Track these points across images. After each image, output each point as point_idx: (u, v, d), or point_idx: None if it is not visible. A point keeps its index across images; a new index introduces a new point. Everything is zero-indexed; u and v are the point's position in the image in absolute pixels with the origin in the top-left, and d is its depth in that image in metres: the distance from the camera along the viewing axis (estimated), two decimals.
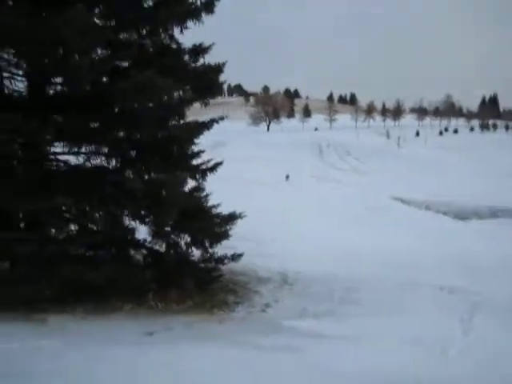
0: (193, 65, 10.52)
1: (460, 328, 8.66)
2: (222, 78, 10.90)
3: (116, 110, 9.13)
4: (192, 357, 6.57)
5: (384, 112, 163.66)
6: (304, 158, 78.66)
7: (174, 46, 10.37)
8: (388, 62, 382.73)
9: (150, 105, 9.33)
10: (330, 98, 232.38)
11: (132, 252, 10.39)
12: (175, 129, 9.41)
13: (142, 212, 9.51)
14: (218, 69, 10.55)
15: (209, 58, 10.72)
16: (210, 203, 11.13)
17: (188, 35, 10.58)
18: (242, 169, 48.71)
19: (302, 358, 6.83)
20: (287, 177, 60.20)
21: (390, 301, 10.90)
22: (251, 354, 6.83)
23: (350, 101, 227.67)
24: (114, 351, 6.56)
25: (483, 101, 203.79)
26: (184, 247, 10.30)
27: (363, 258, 18.14)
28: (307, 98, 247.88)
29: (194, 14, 10.11)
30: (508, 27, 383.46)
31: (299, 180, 48.31)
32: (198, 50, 10.81)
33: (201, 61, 10.86)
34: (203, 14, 10.33)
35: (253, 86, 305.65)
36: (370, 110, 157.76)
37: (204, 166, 10.96)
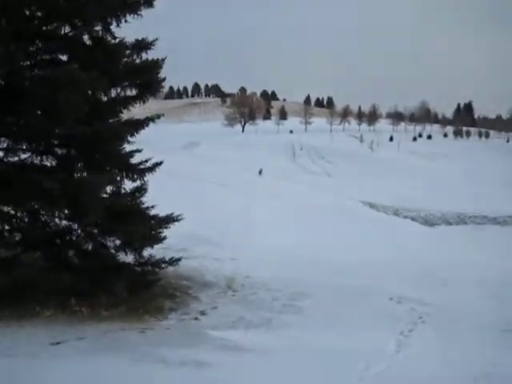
0: (128, 60, 10.04)
1: (396, 343, 8.33)
2: (162, 74, 10.48)
3: (36, 104, 8.60)
4: (80, 372, 6.15)
5: (360, 116, 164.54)
6: (277, 160, 78.48)
7: (110, 39, 9.87)
8: (367, 67, 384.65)
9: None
10: (307, 100, 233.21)
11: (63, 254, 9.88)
12: (102, 126, 8.90)
13: (64, 212, 9.00)
14: (157, 65, 10.12)
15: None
16: (152, 205, 10.76)
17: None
18: (211, 170, 48.29)
19: (203, 374, 6.46)
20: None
21: (334, 311, 10.57)
22: (151, 369, 6.44)
23: (327, 104, 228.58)
24: (5, 364, 6.08)
25: (458, 108, 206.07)
26: (113, 250, 9.83)
27: (321, 264, 17.87)
28: (284, 100, 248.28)
29: (132, 7, 9.66)
30: (483, 37, 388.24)
31: (269, 183, 47.91)
32: (141, 46, 10.36)
33: (143, 56, 10.47)
34: (142, 8, 9.90)
35: (230, 86, 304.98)
36: (345, 114, 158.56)
37: (142, 166, 10.48)
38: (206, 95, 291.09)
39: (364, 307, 11.01)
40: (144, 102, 10.51)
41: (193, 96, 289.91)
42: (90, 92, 8.96)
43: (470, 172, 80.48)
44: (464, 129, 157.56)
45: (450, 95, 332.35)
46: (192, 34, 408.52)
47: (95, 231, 9.56)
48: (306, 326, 9.30)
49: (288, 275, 14.55)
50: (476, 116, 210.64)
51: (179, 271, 13.62)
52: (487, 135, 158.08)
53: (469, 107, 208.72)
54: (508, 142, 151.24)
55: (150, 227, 10.07)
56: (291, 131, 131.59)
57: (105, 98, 10.02)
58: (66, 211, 9.08)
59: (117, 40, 10.07)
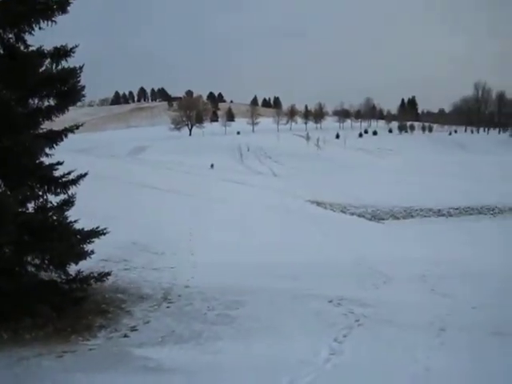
0: (44, 69, 9.59)
1: (328, 350, 8.13)
2: (82, 82, 10.06)
3: None
4: None
5: (306, 114, 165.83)
6: (224, 161, 78.19)
7: (22, 48, 9.42)
8: (312, 66, 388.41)
9: None
10: (254, 101, 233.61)
11: None
12: (12, 140, 8.43)
13: None
14: (74, 73, 9.70)
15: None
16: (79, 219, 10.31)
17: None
18: (157, 175, 47.70)
19: None
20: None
21: (269, 318, 10.33)
22: None
23: (274, 104, 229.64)
24: None
25: (402, 103, 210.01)
26: (33, 269, 9.37)
27: (264, 267, 17.72)
28: (231, 102, 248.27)
29: (43, 13, 9.22)
30: (426, 27, 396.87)
31: (215, 185, 47.61)
32: (60, 53, 9.93)
33: (63, 64, 10.04)
34: (56, 14, 9.47)
35: (177, 90, 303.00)
36: (291, 113, 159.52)
37: (65, 179, 10.05)
38: (152, 99, 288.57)
39: (301, 312, 10.82)
40: (64, 112, 10.05)
41: (139, 101, 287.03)
42: None
43: (414, 165, 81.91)
44: (408, 124, 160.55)
45: (394, 91, 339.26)
46: (136, 38, 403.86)
47: (7, 250, 9.05)
48: (237, 337, 9.03)
49: (228, 282, 14.34)
50: (420, 111, 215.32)
51: (116, 284, 13.25)
52: (430, 129, 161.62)
53: (413, 102, 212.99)
54: (450, 134, 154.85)
55: (72, 243, 9.63)
56: (238, 132, 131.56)
57: (21, 110, 9.52)
58: None
59: (31, 48, 9.60)
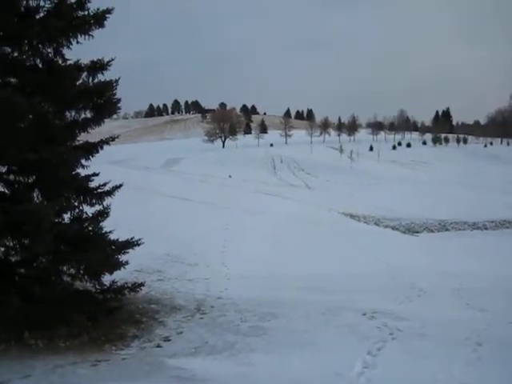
0: (81, 82, 9.78)
1: (361, 364, 8.02)
2: (118, 95, 10.22)
3: None
4: None
5: (339, 127, 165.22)
6: (257, 173, 78.32)
7: (61, 62, 9.62)
8: (347, 78, 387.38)
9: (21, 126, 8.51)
10: (287, 113, 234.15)
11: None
12: (49, 152, 8.57)
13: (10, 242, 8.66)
14: (110, 86, 9.87)
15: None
16: (109, 229, 10.39)
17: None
18: (190, 187, 47.97)
19: None
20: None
21: (302, 331, 10.27)
22: None
23: (307, 116, 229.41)
24: None
25: (436, 115, 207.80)
26: (69, 278, 9.50)
27: (298, 279, 17.70)
28: (264, 114, 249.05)
29: (81, 28, 9.41)
30: (461, 44, 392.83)
31: (248, 197, 47.66)
32: (97, 67, 10.12)
33: (99, 77, 10.22)
34: (93, 28, 9.66)
35: (210, 102, 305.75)
36: (325, 125, 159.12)
37: (100, 190, 10.19)
38: (186, 112, 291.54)
39: (333, 325, 10.73)
40: (99, 124, 10.21)
41: (173, 113, 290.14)
42: (31, 116, 8.63)
43: (448, 178, 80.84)
44: (443, 135, 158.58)
45: (428, 103, 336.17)
46: (170, 52, 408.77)
47: (43, 260, 9.20)
48: (270, 349, 8.98)
49: (261, 294, 14.35)
50: (454, 122, 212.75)
51: (150, 294, 13.35)
52: (465, 141, 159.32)
53: (447, 114, 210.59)
54: (486, 146, 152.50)
55: (107, 253, 9.74)
56: (271, 144, 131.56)
57: (58, 122, 9.72)
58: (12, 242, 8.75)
59: (69, 62, 9.79)
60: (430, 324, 11.30)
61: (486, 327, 10.89)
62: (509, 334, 10.45)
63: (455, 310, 13.21)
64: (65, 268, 9.41)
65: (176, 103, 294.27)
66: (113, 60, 10.21)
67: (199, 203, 37.40)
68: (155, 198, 35.58)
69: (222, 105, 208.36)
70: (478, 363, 8.24)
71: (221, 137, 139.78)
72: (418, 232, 46.72)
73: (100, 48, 12.56)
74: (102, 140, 10.02)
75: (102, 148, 10.05)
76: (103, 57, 10.19)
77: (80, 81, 10.01)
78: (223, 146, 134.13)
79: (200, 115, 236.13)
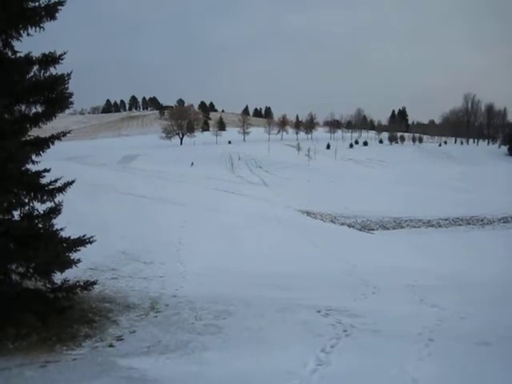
0: (32, 76, 9.51)
1: (314, 362, 8.02)
2: (71, 89, 9.98)
3: None
4: None
5: (297, 125, 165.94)
6: (215, 171, 78.00)
7: (10, 54, 9.34)
8: (304, 77, 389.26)
9: None
10: (246, 111, 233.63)
11: None
12: None
13: None
14: (62, 80, 9.62)
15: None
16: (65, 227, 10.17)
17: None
18: (147, 184, 47.46)
19: None
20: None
21: (257, 328, 10.25)
22: None
23: (265, 114, 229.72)
24: None
25: (393, 114, 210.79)
26: (18, 277, 9.24)
27: (254, 276, 17.68)
28: (223, 111, 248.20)
29: (32, 19, 9.16)
30: (416, 44, 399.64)
31: (206, 194, 47.42)
32: (49, 60, 9.85)
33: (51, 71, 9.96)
34: (44, 20, 9.41)
35: (168, 99, 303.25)
36: (282, 123, 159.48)
37: (52, 186, 9.93)
38: (143, 108, 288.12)
39: (288, 323, 10.75)
40: (51, 119, 9.95)
41: (130, 109, 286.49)
42: None
43: (403, 176, 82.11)
44: (398, 134, 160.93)
45: (385, 102, 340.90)
46: (128, 47, 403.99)
47: None
48: (224, 347, 8.92)
49: (217, 291, 14.26)
50: (410, 122, 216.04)
51: (103, 293, 13.13)
52: (420, 140, 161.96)
53: (403, 113, 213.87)
54: (440, 145, 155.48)
55: (57, 251, 9.49)
56: (229, 142, 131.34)
57: (7, 116, 9.43)
58: None
59: (19, 54, 9.52)
60: (384, 320, 11.43)
61: (437, 323, 11.06)
62: (459, 330, 10.62)
63: (409, 307, 13.38)
64: (13, 266, 9.16)
65: (133, 99, 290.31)
66: (65, 53, 9.98)
67: (156, 200, 37.04)
68: (111, 194, 35.08)
69: (180, 101, 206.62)
70: (430, 359, 8.35)
71: (178, 134, 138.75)
72: (373, 229, 47.32)
73: (56, 43, 12.28)
74: (53, 135, 9.77)
75: (53, 143, 9.79)
76: (55, 50, 9.97)
77: (31, 74, 9.76)
78: (181, 143, 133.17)
79: (158, 112, 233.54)
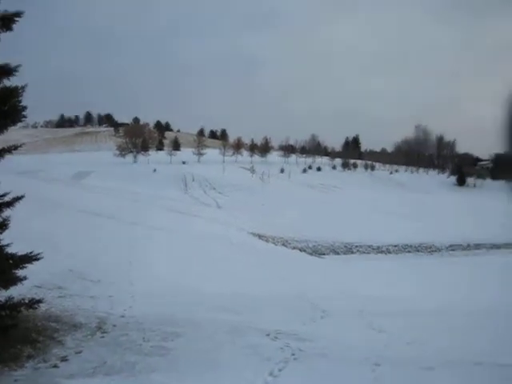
0: None
1: None
2: (24, 102, 9.80)
3: None
4: None
5: (252, 148, 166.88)
6: (168, 191, 77.66)
7: None
8: (260, 101, 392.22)
9: None
10: (201, 132, 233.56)
11: None
12: None
13: None
14: (15, 92, 9.45)
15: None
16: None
17: None
18: (99, 201, 46.90)
19: None
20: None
21: (204, 351, 10.16)
22: None
23: (221, 136, 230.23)
24: None
25: (346, 141, 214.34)
26: None
27: (204, 298, 17.55)
28: (178, 131, 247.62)
29: None
30: (374, 72, 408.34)
31: (158, 214, 47.12)
32: (2, 72, 9.68)
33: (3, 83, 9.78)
34: (0, 31, 9.27)
35: (124, 116, 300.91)
36: (238, 146, 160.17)
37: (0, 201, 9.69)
38: (98, 124, 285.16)
39: (237, 346, 10.71)
40: (3, 132, 9.74)
41: (85, 125, 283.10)
42: None
43: (355, 202, 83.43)
44: (351, 161, 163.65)
45: (338, 129, 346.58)
46: (83, 63, 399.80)
47: None
48: (171, 369, 8.81)
49: (166, 312, 14.09)
50: (363, 149, 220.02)
51: (49, 311, 12.80)
52: (372, 167, 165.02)
53: (356, 141, 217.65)
54: (391, 173, 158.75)
55: (2, 268, 9.24)
56: (184, 162, 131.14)
57: None
58: None
59: None
60: (332, 344, 11.53)
61: (384, 348, 11.22)
62: (405, 355, 10.81)
63: (357, 331, 13.54)
64: None
65: (88, 115, 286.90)
66: (20, 66, 9.80)
67: (107, 218, 36.60)
68: (61, 211, 34.46)
69: (136, 120, 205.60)
70: (376, 383, 8.45)
71: (133, 152, 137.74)
72: (324, 254, 47.89)
73: (11, 54, 12.08)
74: (4, 148, 9.54)
75: (3, 157, 9.56)
76: (9, 62, 9.80)
77: None
78: (135, 161, 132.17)
79: (112, 129, 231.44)
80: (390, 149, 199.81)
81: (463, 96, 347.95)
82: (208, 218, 52.69)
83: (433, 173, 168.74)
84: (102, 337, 10.99)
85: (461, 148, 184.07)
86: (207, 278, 21.55)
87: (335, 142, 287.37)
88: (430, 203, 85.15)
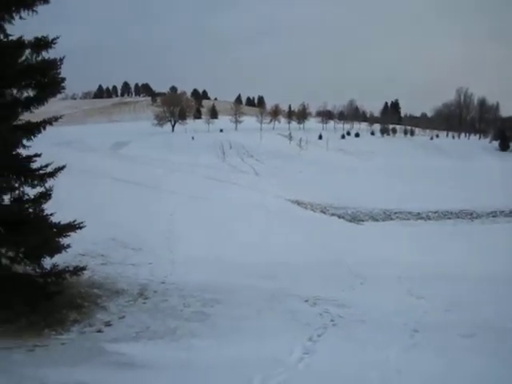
0: (23, 59, 9.48)
1: (301, 351, 8.11)
2: (63, 74, 9.96)
3: None
4: None
5: (290, 114, 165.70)
6: (207, 159, 78.00)
7: (2, 37, 9.29)
8: (298, 66, 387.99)
9: None
10: (238, 99, 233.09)
11: None
12: None
13: None
14: (54, 64, 9.59)
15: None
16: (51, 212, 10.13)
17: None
18: (138, 171, 47.39)
19: None
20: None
21: (244, 316, 10.34)
22: None
23: (258, 103, 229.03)
24: None
25: (385, 106, 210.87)
26: (8, 261, 9.25)
27: (244, 266, 17.71)
28: (215, 99, 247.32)
29: (25, 2, 9.12)
30: (413, 35, 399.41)
31: (197, 182, 47.42)
32: (41, 44, 9.81)
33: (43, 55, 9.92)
34: (37, 4, 9.37)
35: (161, 86, 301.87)
36: (275, 113, 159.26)
37: (42, 171, 9.92)
38: (136, 94, 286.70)
39: (276, 312, 10.84)
40: (43, 104, 9.92)
41: (123, 95, 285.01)
42: None
43: (394, 169, 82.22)
44: (390, 127, 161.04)
45: (377, 94, 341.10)
46: (121, 34, 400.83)
47: None
48: (211, 335, 9.00)
49: (206, 279, 14.30)
50: (402, 114, 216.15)
51: (92, 279, 13.13)
52: (412, 133, 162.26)
53: (395, 106, 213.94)
54: (432, 139, 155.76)
55: (47, 236, 9.50)
56: (221, 130, 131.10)
57: None
58: None
59: (10, 38, 9.47)
60: (371, 311, 11.56)
61: (423, 314, 11.20)
62: (444, 321, 10.77)
63: (396, 298, 13.52)
64: (3, 250, 9.17)
65: (126, 85, 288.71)
66: (58, 38, 9.92)
67: (146, 187, 37.00)
68: (102, 180, 34.95)
69: (173, 89, 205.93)
70: (414, 349, 8.48)
71: (170, 121, 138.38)
72: (363, 221, 47.61)
73: (47, 27, 12.20)
74: (44, 120, 9.74)
75: (44, 128, 9.77)
76: (48, 34, 9.92)
77: (23, 58, 9.72)
78: (173, 131, 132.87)
79: (150, 98, 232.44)
80: (430, 114, 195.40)
81: (507, 56, 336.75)
82: (246, 185, 52.86)
83: (474, 137, 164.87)
84: (144, 303, 11.26)
85: (504, 111, 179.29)
86: (245, 246, 21.69)
87: (374, 107, 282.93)
88: (471, 169, 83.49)
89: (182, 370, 7.23)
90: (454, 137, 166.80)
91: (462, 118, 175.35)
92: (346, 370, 7.38)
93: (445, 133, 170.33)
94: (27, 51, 9.74)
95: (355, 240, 30.72)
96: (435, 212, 50.94)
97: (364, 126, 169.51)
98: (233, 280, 14.72)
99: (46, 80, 9.75)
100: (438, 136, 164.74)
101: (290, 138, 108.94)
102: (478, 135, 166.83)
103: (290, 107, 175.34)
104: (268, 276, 15.94)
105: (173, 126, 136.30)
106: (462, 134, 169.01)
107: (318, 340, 8.72)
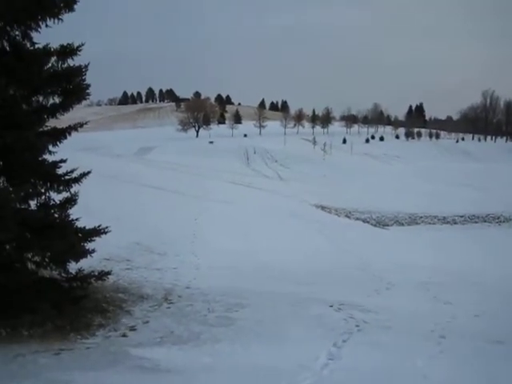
0: (50, 66, 9.60)
1: (327, 355, 8.05)
2: (88, 81, 10.06)
3: None
4: None
5: (313, 119, 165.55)
6: (231, 164, 78.21)
7: (29, 45, 9.43)
8: (322, 71, 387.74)
9: None
10: (262, 104, 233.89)
11: None
12: (13, 137, 8.39)
13: None
14: (79, 71, 9.70)
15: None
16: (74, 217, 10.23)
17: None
18: (162, 176, 47.68)
19: None
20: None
21: (269, 321, 10.29)
22: None
23: (282, 108, 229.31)
24: None
25: (410, 110, 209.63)
26: (34, 266, 9.36)
27: (268, 270, 17.68)
28: (239, 104, 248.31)
29: (49, 10, 9.23)
30: (434, 39, 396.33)
31: (221, 187, 47.58)
32: (66, 52, 9.92)
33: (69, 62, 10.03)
34: (63, 12, 9.48)
35: (185, 91, 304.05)
36: (299, 117, 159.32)
37: (68, 177, 10.02)
38: (160, 100, 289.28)
39: (301, 317, 10.77)
40: (68, 110, 10.04)
41: (147, 101, 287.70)
42: None
43: (420, 172, 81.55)
44: (415, 130, 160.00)
45: (402, 98, 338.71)
46: (146, 40, 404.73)
47: (7, 247, 9.04)
48: (236, 339, 8.97)
49: (230, 284, 14.30)
50: (427, 117, 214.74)
51: (117, 283, 13.22)
52: (437, 136, 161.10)
53: (420, 109, 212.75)
54: (457, 142, 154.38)
55: (72, 241, 9.59)
56: (245, 135, 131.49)
57: (25, 107, 9.54)
58: None
59: (37, 46, 9.60)
60: (396, 317, 11.43)
61: (450, 320, 11.04)
62: (472, 328, 10.61)
63: (422, 303, 13.35)
64: (29, 255, 9.28)
65: (150, 91, 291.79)
66: (83, 45, 10.01)
67: (171, 192, 37.22)
68: (126, 186, 35.28)
69: (197, 94, 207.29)
70: (441, 356, 8.35)
71: (194, 126, 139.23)
72: (388, 225, 47.18)
73: (73, 36, 12.34)
74: (70, 126, 9.85)
75: (69, 134, 9.88)
76: (73, 41, 10.03)
77: (49, 65, 9.84)
78: (197, 136, 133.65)
79: (174, 104, 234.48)
80: (455, 116, 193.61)
81: None
82: (270, 190, 52.84)
83: (501, 140, 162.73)
84: (168, 307, 11.29)
85: None
86: (270, 251, 21.66)
87: (398, 111, 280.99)
88: (497, 172, 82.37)
89: (206, 375, 7.22)
90: (479, 140, 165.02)
91: (488, 120, 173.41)
92: (371, 376, 7.30)
93: (470, 136, 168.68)
94: (53, 59, 9.86)
95: (380, 245, 30.48)
96: (461, 216, 50.30)
97: (388, 129, 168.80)
98: (257, 285, 14.67)
99: (72, 87, 9.86)
100: (463, 139, 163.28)
101: (314, 142, 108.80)
102: (504, 138, 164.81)
103: (313, 111, 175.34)
104: (292, 280, 15.89)
105: (197, 132, 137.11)
106: (488, 137, 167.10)
107: (343, 346, 8.64)
